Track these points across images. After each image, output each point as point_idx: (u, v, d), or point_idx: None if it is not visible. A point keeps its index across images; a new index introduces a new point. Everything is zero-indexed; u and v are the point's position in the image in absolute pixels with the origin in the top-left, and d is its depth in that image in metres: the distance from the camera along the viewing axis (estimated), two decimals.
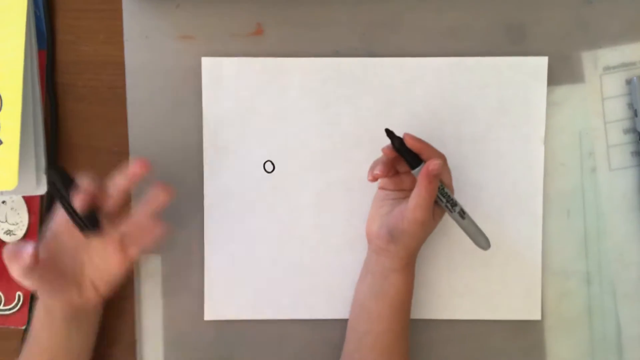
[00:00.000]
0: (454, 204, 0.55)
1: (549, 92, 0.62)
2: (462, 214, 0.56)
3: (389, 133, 0.55)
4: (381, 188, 0.59)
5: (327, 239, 0.62)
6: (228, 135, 0.62)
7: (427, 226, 0.55)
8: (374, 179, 0.55)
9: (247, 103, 0.62)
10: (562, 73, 0.62)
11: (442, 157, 0.55)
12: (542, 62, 0.61)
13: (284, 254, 0.62)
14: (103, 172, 0.61)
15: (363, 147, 0.62)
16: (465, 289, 0.62)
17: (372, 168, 0.56)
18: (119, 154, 0.62)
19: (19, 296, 0.62)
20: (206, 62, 0.61)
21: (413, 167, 0.55)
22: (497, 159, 0.62)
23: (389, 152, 0.55)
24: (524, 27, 0.62)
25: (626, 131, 0.62)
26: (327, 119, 0.62)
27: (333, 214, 0.62)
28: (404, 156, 0.55)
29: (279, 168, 0.62)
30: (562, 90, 0.62)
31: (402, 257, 0.56)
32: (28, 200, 0.62)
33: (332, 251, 0.62)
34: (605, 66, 0.62)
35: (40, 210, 0.62)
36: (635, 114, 0.62)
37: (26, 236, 0.62)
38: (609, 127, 0.62)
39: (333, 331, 0.62)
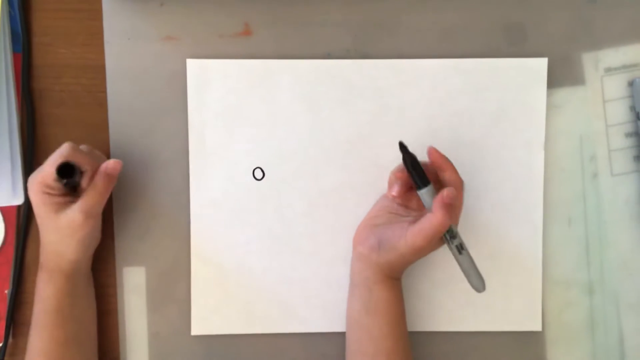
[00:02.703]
0: (453, 235, 0.53)
1: (548, 95, 0.61)
2: (460, 248, 0.54)
3: (403, 147, 0.53)
4: (386, 197, 0.58)
5: (319, 249, 0.60)
6: (215, 141, 0.60)
7: (422, 254, 0.53)
8: (394, 197, 0.55)
9: (235, 107, 0.60)
10: (562, 75, 0.61)
11: (461, 182, 0.54)
12: (541, 63, 0.60)
13: (274, 265, 0.60)
14: None
15: (356, 152, 0.60)
16: (465, 300, 0.61)
17: (390, 186, 0.56)
18: None
19: None
20: (191, 64, 0.59)
21: (419, 187, 0.53)
22: (495, 165, 0.60)
23: (401, 174, 0.54)
24: (524, 28, 0.61)
25: (628, 135, 0.61)
26: (318, 124, 0.60)
27: (326, 222, 0.60)
28: (412, 174, 0.53)
29: (269, 175, 0.60)
30: (562, 93, 0.61)
31: (383, 269, 0.54)
32: (4, 210, 0.60)
33: (325, 262, 0.60)
34: (607, 68, 0.61)
35: (17, 220, 0.60)
36: (638, 117, 0.61)
37: (2, 249, 0.59)
38: (610, 130, 0.61)
39: (327, 345, 0.60)
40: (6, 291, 0.59)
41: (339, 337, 0.59)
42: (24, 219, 0.59)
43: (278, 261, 0.60)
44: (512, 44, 0.60)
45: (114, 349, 0.60)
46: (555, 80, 0.60)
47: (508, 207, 0.60)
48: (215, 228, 0.60)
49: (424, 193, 0.53)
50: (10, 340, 0.60)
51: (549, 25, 0.61)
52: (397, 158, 0.59)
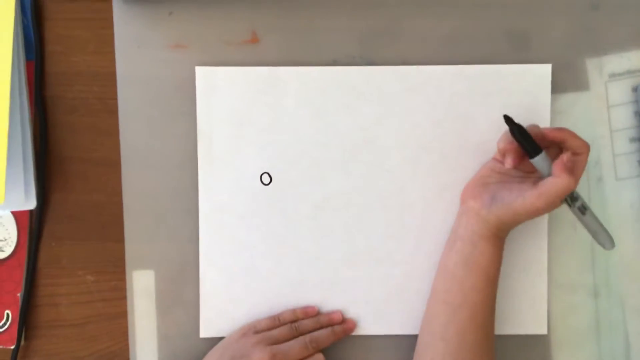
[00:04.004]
0: (574, 198, 0.54)
1: (553, 100, 0.61)
2: (583, 209, 0.54)
3: (508, 120, 0.53)
4: (496, 159, 0.58)
5: (326, 252, 0.61)
6: (223, 147, 0.60)
7: (536, 215, 0.54)
8: (511, 166, 0.54)
9: (243, 113, 0.60)
10: (566, 80, 0.61)
11: (587, 146, 0.54)
12: (545, 69, 0.60)
13: (282, 268, 0.61)
14: (94, 185, 0.60)
15: (362, 157, 0.61)
16: None
17: (501, 155, 0.55)
18: (110, 166, 0.61)
19: (8, 315, 0.60)
20: (200, 71, 0.60)
21: (532, 155, 0.53)
22: None
23: (511, 146, 0.54)
24: (528, 34, 0.61)
25: (633, 140, 0.61)
26: (324, 130, 0.60)
27: (332, 226, 0.61)
28: (524, 145, 0.53)
29: (276, 180, 0.60)
30: (567, 98, 0.61)
31: (491, 225, 0.54)
32: (17, 215, 0.61)
33: (332, 265, 0.61)
34: (611, 73, 0.61)
35: (29, 225, 0.61)
36: None
37: (15, 252, 0.60)
38: (615, 135, 0.61)
39: (334, 346, 0.60)
40: (19, 294, 0.60)
41: (346, 339, 0.60)
42: (36, 223, 0.60)
43: (285, 264, 0.61)
44: (516, 50, 0.61)
45: (124, 351, 0.61)
46: (559, 85, 0.61)
47: None
48: (223, 232, 0.60)
49: (538, 161, 0.53)
50: (23, 342, 0.61)
51: (552, 31, 0.61)
52: (402, 162, 0.60)
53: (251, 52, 0.61)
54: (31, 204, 0.59)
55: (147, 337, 0.61)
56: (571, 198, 0.54)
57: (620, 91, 0.61)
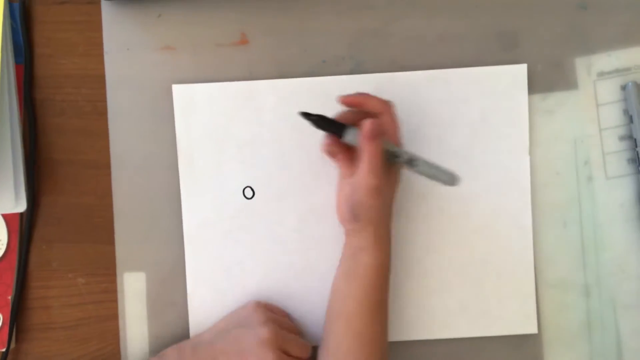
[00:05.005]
0: (395, 155, 0.53)
1: (542, 100, 0.61)
2: (411, 161, 0.53)
3: (305, 115, 0.53)
4: (341, 176, 0.58)
5: (313, 264, 0.61)
6: (204, 163, 0.60)
7: (384, 190, 0.53)
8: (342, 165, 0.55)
9: (222, 129, 0.60)
10: (555, 80, 0.61)
11: (386, 103, 0.54)
12: (521, 69, 0.60)
13: (269, 281, 0.61)
14: (84, 187, 0.60)
15: None
16: (459, 307, 0.61)
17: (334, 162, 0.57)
18: (100, 169, 0.61)
19: None
20: (177, 89, 0.60)
21: (341, 135, 0.53)
22: (482, 173, 0.61)
23: (331, 146, 0.55)
24: (516, 34, 0.61)
25: (622, 138, 0.61)
26: (305, 141, 0.60)
27: (317, 237, 0.61)
28: (329, 129, 0.53)
29: (258, 194, 0.61)
30: (556, 98, 0.61)
31: (370, 232, 0.54)
32: (7, 218, 0.61)
33: (319, 276, 0.60)
34: (600, 72, 0.61)
35: (20, 228, 0.61)
36: (631, 120, 0.61)
37: (5, 255, 0.60)
38: (604, 134, 0.61)
39: None
40: (9, 297, 0.60)
41: None
42: (26, 225, 0.60)
43: (272, 277, 0.60)
44: (505, 50, 0.61)
45: (115, 353, 0.61)
46: (548, 85, 0.61)
47: (497, 213, 0.60)
48: (208, 248, 0.60)
49: (350, 137, 0.53)
50: (13, 345, 0.61)
51: (541, 31, 0.61)
52: None
53: (241, 53, 0.61)
54: (21, 206, 0.59)
55: (138, 339, 0.61)
56: (394, 156, 0.53)
57: (609, 90, 0.61)
